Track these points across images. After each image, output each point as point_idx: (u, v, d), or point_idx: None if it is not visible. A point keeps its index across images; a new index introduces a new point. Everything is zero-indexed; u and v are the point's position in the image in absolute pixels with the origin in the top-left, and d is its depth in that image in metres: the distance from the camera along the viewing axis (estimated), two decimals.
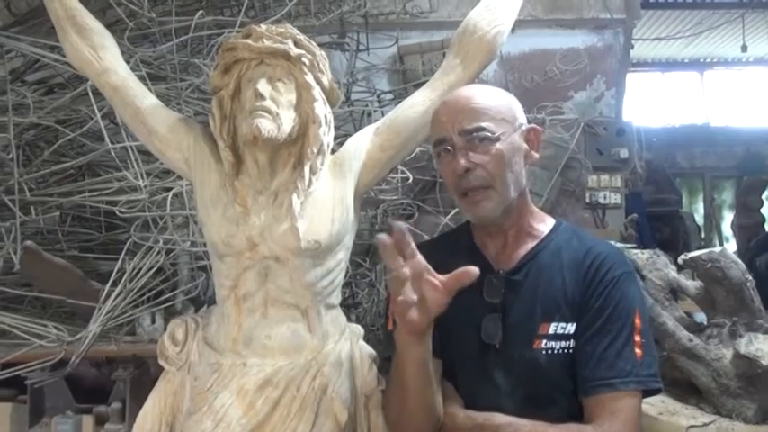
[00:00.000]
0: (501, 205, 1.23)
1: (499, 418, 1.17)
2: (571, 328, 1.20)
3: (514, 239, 1.28)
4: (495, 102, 1.23)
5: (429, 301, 1.06)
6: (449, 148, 1.22)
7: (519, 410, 1.18)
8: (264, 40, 1.23)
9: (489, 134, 1.20)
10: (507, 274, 1.25)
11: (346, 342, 1.32)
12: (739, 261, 1.93)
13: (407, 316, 1.06)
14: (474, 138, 1.20)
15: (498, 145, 1.20)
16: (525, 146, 1.26)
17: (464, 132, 1.21)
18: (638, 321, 1.19)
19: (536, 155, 1.28)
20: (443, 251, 1.31)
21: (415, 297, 1.05)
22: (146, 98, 1.33)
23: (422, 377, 1.15)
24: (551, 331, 1.20)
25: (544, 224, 1.31)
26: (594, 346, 1.18)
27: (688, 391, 1.89)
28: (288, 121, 1.22)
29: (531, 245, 1.27)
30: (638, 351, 1.17)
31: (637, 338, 1.18)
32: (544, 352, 1.19)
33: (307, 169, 1.24)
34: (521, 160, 1.25)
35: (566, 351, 1.19)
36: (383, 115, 1.41)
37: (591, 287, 1.21)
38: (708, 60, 8.15)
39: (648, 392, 1.20)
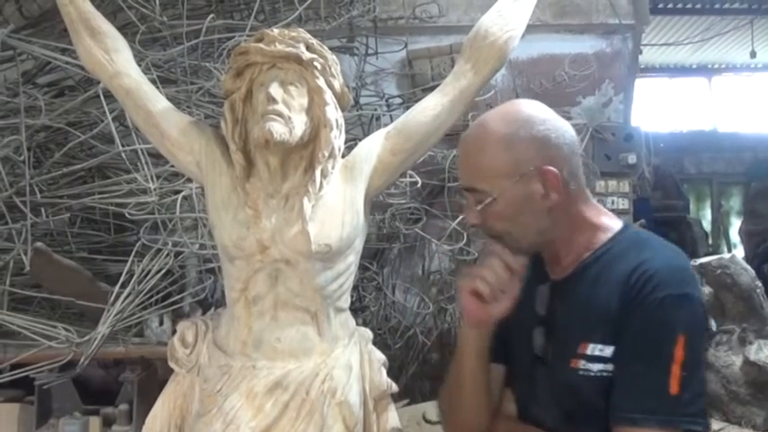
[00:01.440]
0: (523, 247, 1.17)
1: None
2: (609, 350, 1.10)
3: (566, 252, 1.20)
4: (491, 155, 1.14)
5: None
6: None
7: (557, 426, 1.15)
8: (277, 44, 1.23)
9: (484, 196, 1.15)
10: (556, 284, 1.20)
11: (355, 346, 1.32)
12: (749, 267, 1.93)
13: (474, 307, 1.07)
14: (474, 196, 1.17)
15: (496, 206, 1.14)
16: (540, 190, 1.14)
17: (465, 190, 1.20)
18: (679, 352, 1.05)
19: (556, 196, 1.14)
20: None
21: (483, 287, 1.06)
22: (158, 101, 1.34)
23: (479, 371, 1.15)
24: (589, 352, 1.11)
25: (604, 232, 1.19)
26: (625, 372, 1.08)
27: None
28: (299, 124, 1.23)
29: (584, 254, 1.18)
30: (674, 385, 1.04)
31: (675, 371, 1.05)
32: (581, 372, 1.12)
33: (318, 173, 1.24)
34: (535, 207, 1.15)
35: (603, 375, 1.10)
36: (392, 119, 1.42)
37: (632, 307, 1.08)
38: (716, 66, 8.13)
39: None
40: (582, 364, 1.12)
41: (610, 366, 1.10)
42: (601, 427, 1.11)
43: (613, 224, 1.21)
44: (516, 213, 1.15)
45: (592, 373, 1.11)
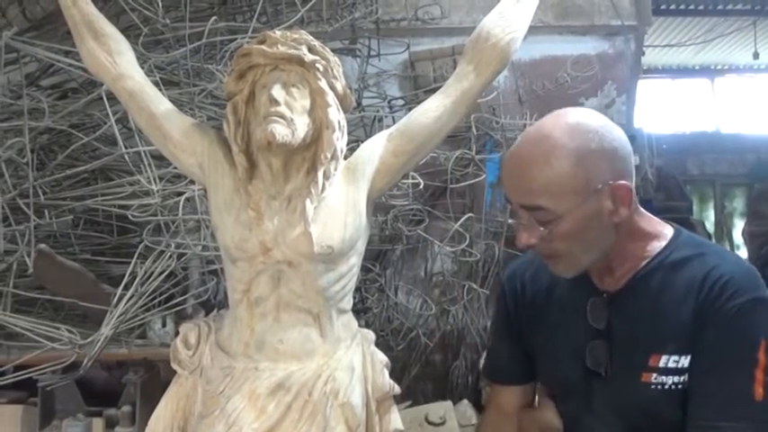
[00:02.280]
0: (579, 269, 1.13)
1: None
2: (685, 361, 1.07)
3: (620, 262, 1.15)
4: (557, 171, 1.07)
5: None
6: (515, 216, 1.14)
7: None
8: (279, 46, 1.23)
9: (548, 214, 1.07)
10: (612, 296, 1.15)
11: (358, 347, 1.32)
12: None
13: None
14: (535, 214, 1.09)
15: (562, 224, 1.07)
16: (610, 206, 1.09)
17: (524, 208, 1.11)
18: (762, 357, 1.04)
19: (625, 211, 1.10)
20: (544, 266, 1.23)
21: None
22: (161, 103, 1.34)
23: None
24: (662, 364, 1.08)
25: (658, 240, 1.16)
26: (705, 381, 1.05)
27: None
28: (302, 126, 1.23)
29: (640, 265, 1.14)
30: (759, 390, 1.03)
31: (759, 376, 1.03)
32: (653, 387, 1.09)
33: (320, 174, 1.24)
34: (603, 224, 1.10)
35: (678, 387, 1.07)
36: (394, 121, 1.41)
37: (709, 315, 1.06)
38: (719, 67, 8.12)
39: None
40: (654, 377, 1.09)
41: (686, 378, 1.07)
42: None
43: (666, 231, 1.19)
44: (583, 232, 1.09)
45: (666, 386, 1.08)
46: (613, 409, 1.14)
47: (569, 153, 1.07)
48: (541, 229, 1.09)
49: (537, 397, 1.33)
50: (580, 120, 1.13)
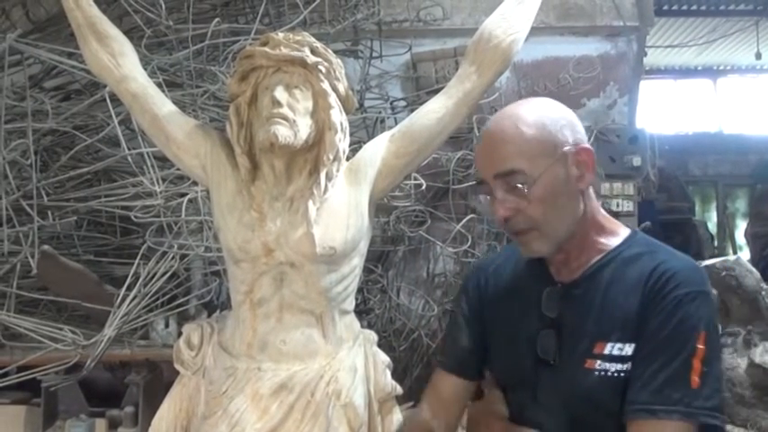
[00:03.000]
0: (552, 243, 1.16)
1: None
2: (629, 349, 1.10)
3: (577, 254, 1.20)
4: (528, 135, 1.14)
5: None
6: (488, 193, 1.17)
7: (560, 431, 1.14)
8: (282, 48, 1.24)
9: (524, 177, 1.12)
10: (566, 287, 1.20)
11: (360, 348, 1.32)
12: (754, 270, 1.93)
13: None
14: (509, 180, 1.13)
15: (537, 187, 1.12)
16: (576, 171, 1.16)
17: (499, 176, 1.15)
18: (701, 346, 1.07)
19: (590, 176, 1.17)
20: (511, 259, 1.30)
21: None
22: (164, 105, 1.35)
23: None
24: (607, 351, 1.11)
25: (615, 237, 1.21)
26: (645, 367, 1.08)
27: None
28: (304, 127, 1.23)
29: (595, 258, 1.19)
30: (694, 379, 1.06)
31: (696, 365, 1.07)
32: (597, 373, 1.12)
33: (323, 176, 1.25)
34: (571, 189, 1.16)
35: (621, 374, 1.10)
36: (396, 122, 1.42)
37: (651, 305, 1.11)
38: (721, 68, 8.11)
39: (706, 428, 1.07)
40: (598, 364, 1.12)
41: (629, 366, 1.10)
42: (609, 430, 1.11)
43: (622, 230, 1.24)
44: (555, 197, 1.14)
45: (609, 374, 1.11)
46: (558, 397, 1.16)
47: (535, 121, 1.16)
48: (517, 198, 1.14)
49: (485, 388, 1.35)
50: (537, 100, 1.25)
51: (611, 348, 1.12)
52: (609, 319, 1.13)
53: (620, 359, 1.11)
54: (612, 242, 1.20)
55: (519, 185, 1.13)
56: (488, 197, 1.19)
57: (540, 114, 1.18)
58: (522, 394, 1.23)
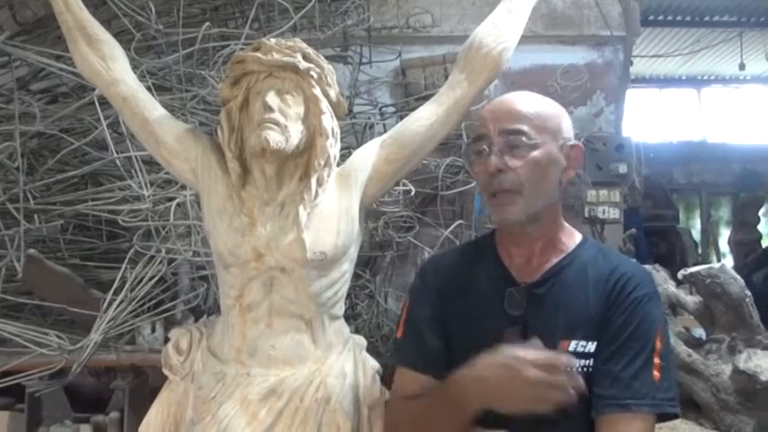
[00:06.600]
0: (526, 212, 1.21)
1: None
2: (591, 346, 1.18)
3: (540, 252, 1.26)
4: (541, 109, 1.23)
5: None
6: (485, 147, 1.22)
7: (524, 428, 1.14)
8: (274, 54, 1.24)
9: (527, 139, 1.19)
10: (530, 286, 1.24)
11: (350, 353, 1.33)
12: (738, 277, 1.95)
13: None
14: (512, 139, 1.20)
15: (535, 152, 1.20)
16: (563, 163, 1.24)
17: (504, 132, 1.21)
18: (658, 344, 1.17)
19: (572, 172, 1.26)
20: (465, 260, 1.32)
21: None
22: (154, 109, 1.35)
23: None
24: (571, 348, 1.18)
25: (572, 239, 1.29)
26: (612, 365, 1.16)
27: (687, 406, 1.90)
28: (296, 133, 1.24)
29: (556, 259, 1.25)
30: (656, 373, 1.15)
31: (656, 361, 1.16)
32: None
33: (313, 181, 1.25)
34: (556, 173, 1.24)
35: (584, 370, 1.16)
36: (385, 128, 1.43)
37: (614, 306, 1.19)
38: (705, 78, 8.20)
39: (663, 417, 1.18)
40: None
41: (591, 362, 1.17)
42: (572, 427, 1.17)
43: (578, 235, 1.32)
44: (545, 169, 1.21)
45: (574, 369, 1.13)
46: None
47: (550, 104, 1.27)
48: (513, 158, 1.19)
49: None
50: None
51: (576, 346, 1.18)
52: (572, 317, 1.20)
53: (584, 355, 1.18)
54: (571, 244, 1.28)
55: (519, 146, 1.19)
56: (479, 154, 1.23)
57: (553, 103, 1.28)
58: None
